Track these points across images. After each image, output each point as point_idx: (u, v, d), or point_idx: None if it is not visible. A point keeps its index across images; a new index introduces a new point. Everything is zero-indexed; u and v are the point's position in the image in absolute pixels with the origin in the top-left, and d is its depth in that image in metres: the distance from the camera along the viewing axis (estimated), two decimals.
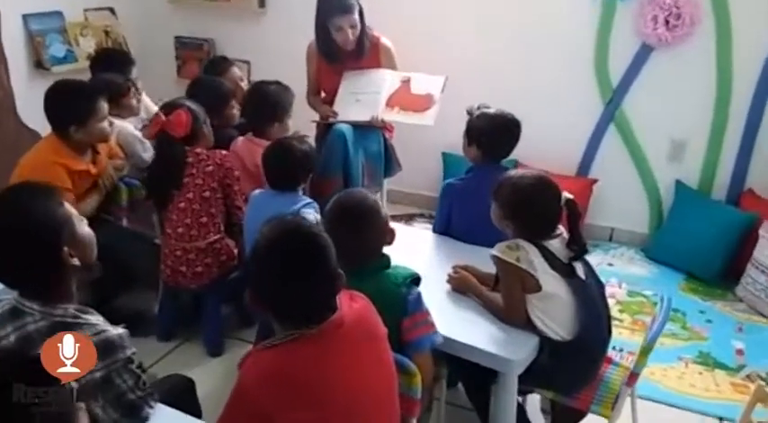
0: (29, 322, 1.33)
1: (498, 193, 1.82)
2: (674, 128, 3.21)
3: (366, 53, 3.07)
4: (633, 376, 1.77)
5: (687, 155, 3.23)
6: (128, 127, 2.69)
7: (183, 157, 2.36)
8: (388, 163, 3.16)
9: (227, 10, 3.87)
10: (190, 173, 2.36)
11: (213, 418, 1.35)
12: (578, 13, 3.19)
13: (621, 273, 3.16)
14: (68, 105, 2.28)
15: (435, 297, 1.83)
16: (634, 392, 1.93)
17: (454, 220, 2.27)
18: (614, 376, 1.91)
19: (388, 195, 3.40)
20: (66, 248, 1.36)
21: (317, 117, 3.17)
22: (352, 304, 1.36)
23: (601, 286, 1.84)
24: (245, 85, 3.17)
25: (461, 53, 3.40)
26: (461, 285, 1.91)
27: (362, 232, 1.60)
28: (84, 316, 1.34)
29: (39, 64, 3.49)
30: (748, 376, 2.47)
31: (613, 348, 2.23)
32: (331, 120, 3.03)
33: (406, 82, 3.05)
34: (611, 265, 3.25)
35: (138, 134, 2.72)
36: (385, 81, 3.07)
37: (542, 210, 1.76)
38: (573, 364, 1.74)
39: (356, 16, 2.94)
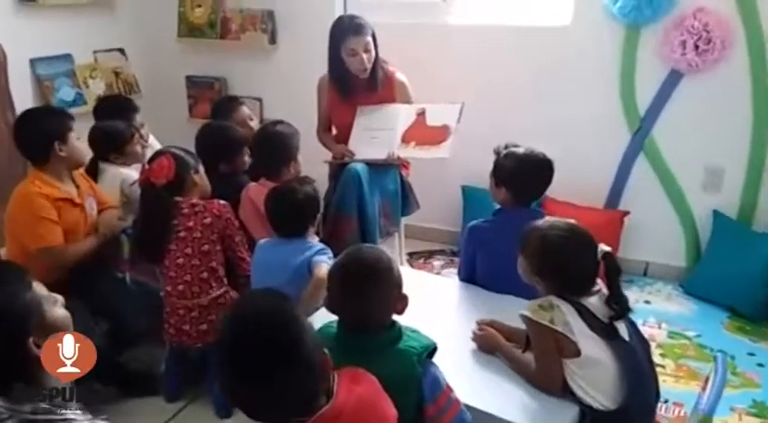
0: None
1: (526, 245, 1.65)
2: (708, 155, 3.03)
3: (380, 86, 2.95)
4: None
5: (724, 183, 3.04)
6: (132, 175, 2.59)
7: (170, 208, 2.22)
8: (405, 201, 3.02)
9: (238, 48, 3.80)
10: (186, 226, 2.22)
11: None
12: (600, 41, 3.06)
13: (659, 310, 2.96)
14: (43, 126, 2.28)
15: (459, 358, 1.67)
16: None
17: (480, 265, 2.11)
18: None
19: (406, 230, 3.25)
20: (31, 338, 1.21)
21: (327, 155, 3.05)
22: (353, 388, 1.18)
23: (646, 346, 1.65)
24: (255, 123, 3.06)
25: (485, 85, 3.27)
26: (487, 344, 1.74)
27: (367, 300, 1.39)
28: (59, 411, 1.19)
29: None
30: None
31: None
32: (347, 159, 2.91)
33: (422, 114, 2.92)
34: (647, 302, 3.05)
35: None
36: (399, 116, 2.94)
37: (577, 265, 1.58)
38: None
39: (369, 38, 2.84)
